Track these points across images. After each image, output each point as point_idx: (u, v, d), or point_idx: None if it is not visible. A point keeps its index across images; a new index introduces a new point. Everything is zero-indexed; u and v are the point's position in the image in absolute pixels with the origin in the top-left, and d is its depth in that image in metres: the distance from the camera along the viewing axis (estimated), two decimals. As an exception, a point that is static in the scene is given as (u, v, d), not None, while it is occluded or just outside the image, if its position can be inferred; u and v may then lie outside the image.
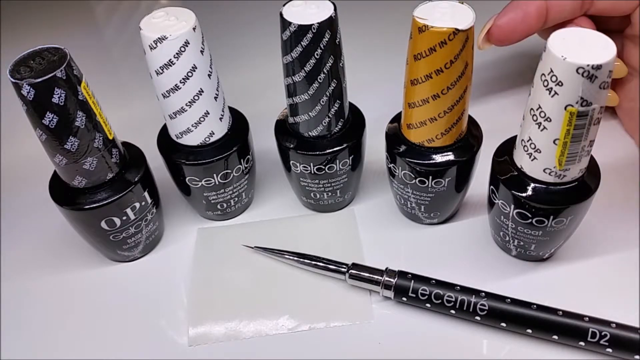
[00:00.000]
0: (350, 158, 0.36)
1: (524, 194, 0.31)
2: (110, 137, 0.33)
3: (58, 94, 0.29)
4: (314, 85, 0.32)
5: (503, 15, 0.40)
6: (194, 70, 0.32)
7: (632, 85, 0.41)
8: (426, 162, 0.33)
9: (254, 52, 0.56)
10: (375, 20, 0.54)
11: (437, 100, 0.31)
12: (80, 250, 0.39)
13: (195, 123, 0.34)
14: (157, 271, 0.38)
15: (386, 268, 0.34)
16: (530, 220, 0.32)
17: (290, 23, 0.30)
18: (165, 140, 0.36)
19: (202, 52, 0.32)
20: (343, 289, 0.35)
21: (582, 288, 0.34)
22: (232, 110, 0.38)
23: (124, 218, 0.35)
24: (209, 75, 0.33)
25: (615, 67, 0.39)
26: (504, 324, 0.32)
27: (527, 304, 0.32)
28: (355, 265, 0.35)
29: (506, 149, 0.33)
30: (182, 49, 0.31)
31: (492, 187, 0.33)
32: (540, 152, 0.29)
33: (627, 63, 0.40)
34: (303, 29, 0.30)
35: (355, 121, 0.36)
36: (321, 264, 0.35)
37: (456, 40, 0.28)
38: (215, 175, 0.36)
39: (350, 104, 0.37)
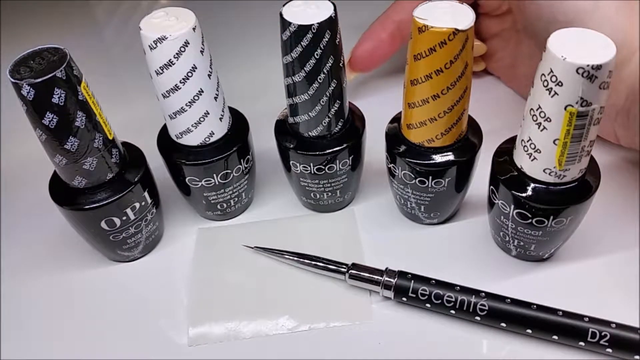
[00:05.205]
0: (350, 158, 0.36)
1: (524, 194, 0.31)
2: (110, 137, 0.33)
3: (58, 94, 0.29)
4: (314, 85, 0.32)
5: (358, 46, 0.45)
6: (194, 70, 0.32)
7: (495, 49, 0.46)
8: (426, 162, 0.33)
9: (254, 52, 0.56)
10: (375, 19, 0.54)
11: (437, 101, 0.31)
12: (80, 250, 0.39)
13: (195, 123, 0.34)
14: (157, 271, 0.38)
15: (386, 268, 0.34)
16: (530, 221, 0.32)
17: (290, 23, 0.30)
18: (165, 140, 0.36)
19: (202, 52, 0.32)
20: (343, 289, 0.35)
21: (582, 288, 0.34)
22: (232, 110, 0.38)
23: (124, 218, 0.35)
24: (209, 75, 0.33)
25: (476, 47, 0.45)
26: (504, 324, 0.32)
27: (527, 304, 0.32)
28: (355, 265, 0.35)
29: (506, 149, 0.33)
30: (182, 49, 0.31)
31: (492, 187, 0.33)
32: (540, 152, 0.29)
33: (486, 32, 0.46)
34: (303, 29, 0.30)
35: (355, 121, 0.36)
36: (321, 264, 0.35)
37: (456, 41, 0.28)
38: (215, 175, 0.36)
39: (350, 104, 0.37)
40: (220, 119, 0.35)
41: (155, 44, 0.30)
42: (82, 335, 0.35)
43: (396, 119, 0.35)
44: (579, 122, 0.27)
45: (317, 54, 0.31)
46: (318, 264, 0.35)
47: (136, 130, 0.39)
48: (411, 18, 0.29)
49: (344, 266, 0.35)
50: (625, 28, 0.34)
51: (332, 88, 0.33)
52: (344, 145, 0.35)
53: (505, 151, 0.33)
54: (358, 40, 0.45)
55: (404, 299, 0.33)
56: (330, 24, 0.30)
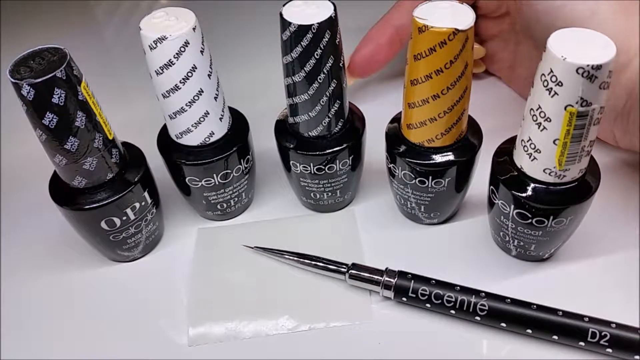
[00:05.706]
0: (350, 158, 0.36)
1: (524, 194, 0.31)
2: (110, 137, 0.33)
3: (58, 94, 0.29)
4: (314, 85, 0.32)
5: (356, 51, 0.45)
6: (194, 70, 0.32)
7: (494, 50, 0.46)
8: (426, 162, 0.33)
9: (254, 52, 0.56)
10: (375, 20, 0.54)
11: (437, 101, 0.31)
12: (80, 250, 0.39)
13: (195, 123, 0.34)
14: (157, 271, 0.38)
15: (386, 268, 0.34)
16: (530, 221, 0.32)
17: (290, 23, 0.30)
18: (165, 140, 0.36)
19: (202, 52, 0.32)
20: (343, 289, 0.35)
21: (582, 288, 0.34)
22: (232, 110, 0.38)
23: (124, 218, 0.35)
24: (209, 75, 0.33)
25: (476, 50, 0.45)
26: (504, 324, 0.32)
27: (527, 304, 0.32)
28: (355, 265, 0.35)
29: (506, 149, 0.33)
30: (182, 49, 0.31)
31: (492, 187, 0.33)
32: (540, 152, 0.29)
33: (485, 33, 0.46)
34: (303, 29, 0.30)
35: (355, 121, 0.36)
36: (321, 264, 0.35)
37: (456, 41, 0.28)
38: (215, 175, 0.36)
39: (350, 104, 0.37)
40: (220, 119, 0.35)
41: (155, 44, 0.30)
42: (82, 335, 0.35)
43: (396, 119, 0.35)
44: (579, 122, 0.27)
45: (317, 54, 0.31)
46: (318, 264, 0.35)
47: (136, 130, 0.39)
48: (410, 23, 0.29)
49: (344, 266, 0.35)
50: (623, 33, 0.34)
51: (332, 88, 0.33)
52: (344, 145, 0.35)
53: (505, 151, 0.33)
54: (357, 45, 0.45)
55: (404, 299, 0.33)
56: (330, 24, 0.30)
